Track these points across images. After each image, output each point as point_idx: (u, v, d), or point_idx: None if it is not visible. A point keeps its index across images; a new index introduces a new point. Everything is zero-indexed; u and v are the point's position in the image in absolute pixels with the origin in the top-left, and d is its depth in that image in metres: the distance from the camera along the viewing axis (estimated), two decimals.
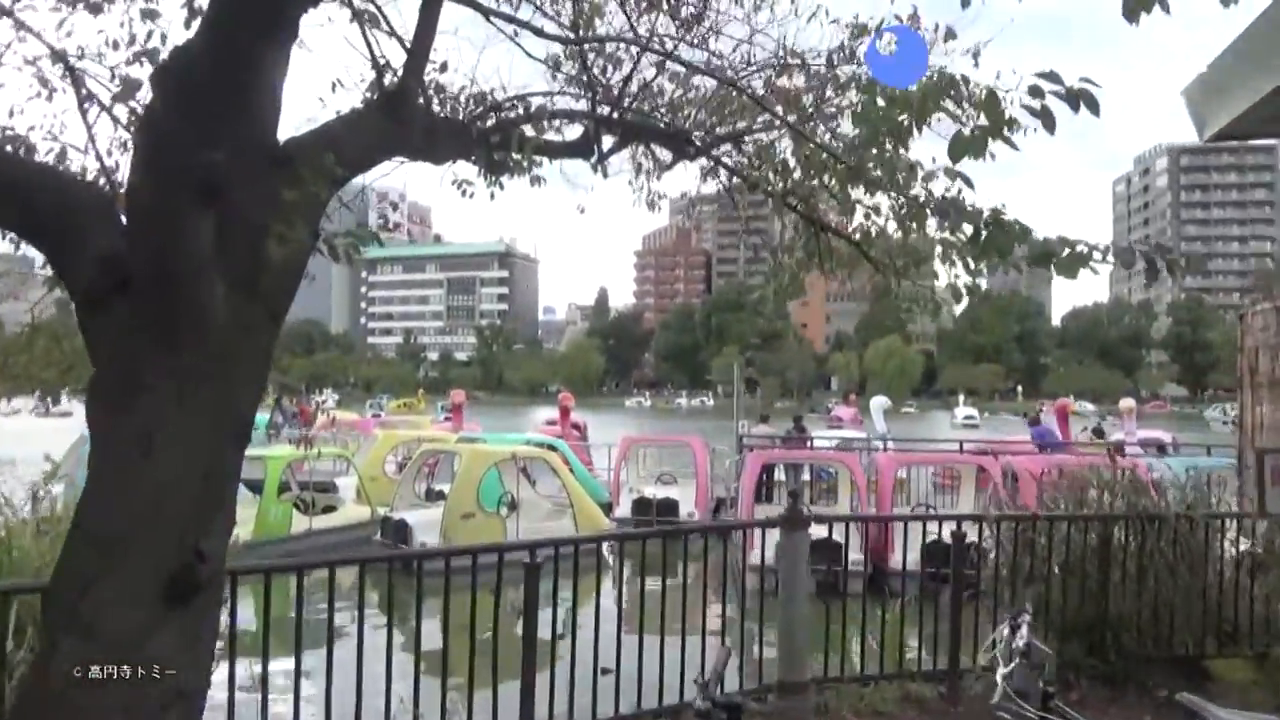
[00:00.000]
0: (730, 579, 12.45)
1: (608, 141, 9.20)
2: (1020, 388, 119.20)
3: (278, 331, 3.48)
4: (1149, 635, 6.11)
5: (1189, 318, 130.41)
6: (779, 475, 15.52)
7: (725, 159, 8.80)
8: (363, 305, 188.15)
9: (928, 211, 4.59)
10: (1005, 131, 3.43)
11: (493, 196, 8.79)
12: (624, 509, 15.24)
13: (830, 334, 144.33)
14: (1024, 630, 3.22)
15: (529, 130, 7.22)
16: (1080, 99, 3.02)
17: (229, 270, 3.09)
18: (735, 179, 8.42)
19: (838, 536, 10.68)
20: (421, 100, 5.05)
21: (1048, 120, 3.36)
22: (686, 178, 9.75)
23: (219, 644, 3.62)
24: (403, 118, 4.59)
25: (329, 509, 14.60)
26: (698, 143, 7.66)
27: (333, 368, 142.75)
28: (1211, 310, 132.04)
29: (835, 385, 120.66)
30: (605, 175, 9.29)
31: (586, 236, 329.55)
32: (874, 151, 5.89)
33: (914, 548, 10.60)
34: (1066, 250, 3.70)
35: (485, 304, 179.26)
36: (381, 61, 4.54)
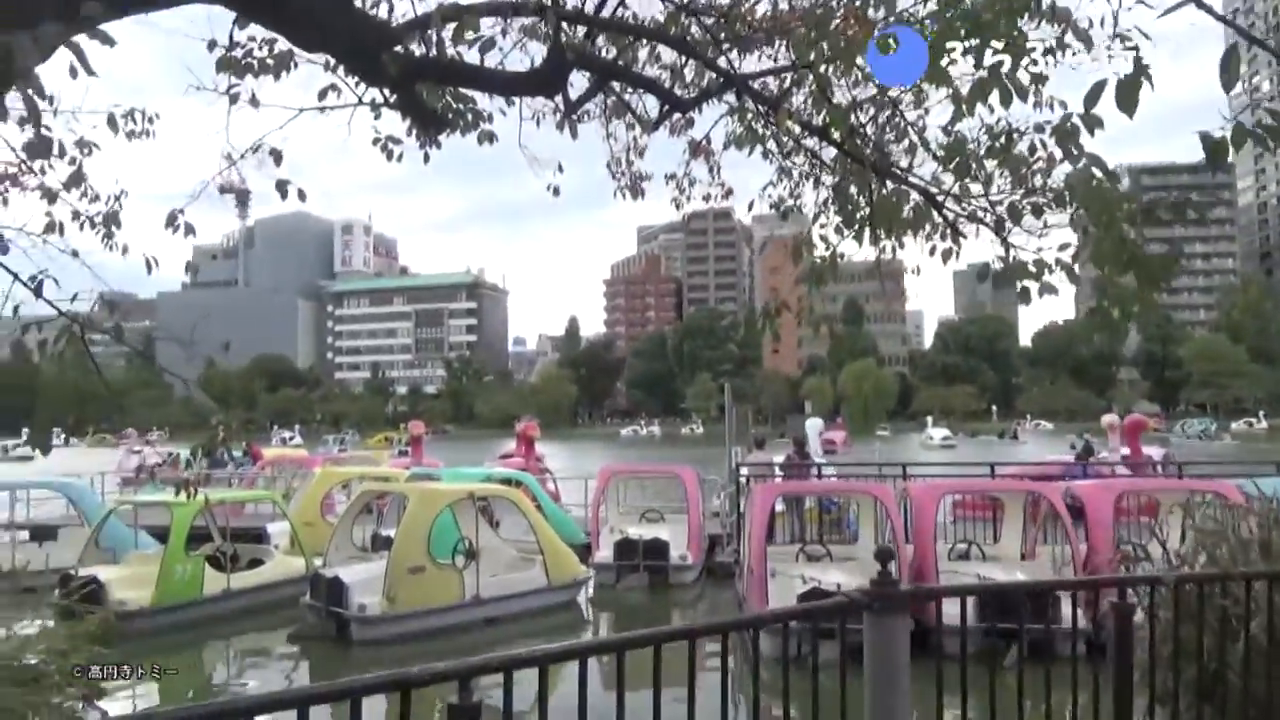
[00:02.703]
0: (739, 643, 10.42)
1: (577, 88, 7.00)
2: (994, 408, 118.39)
3: None
4: None
5: (1159, 334, 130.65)
6: (777, 507, 13.49)
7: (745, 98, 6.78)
8: (329, 340, 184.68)
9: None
10: None
11: (426, 158, 6.60)
12: (605, 552, 13.09)
13: (803, 358, 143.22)
14: None
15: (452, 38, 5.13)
16: None
17: None
18: (763, 112, 6.43)
19: (855, 579, 8.71)
20: None
21: None
22: (672, 151, 7.66)
23: None
24: None
25: (255, 562, 12.35)
26: (718, 63, 5.72)
27: (298, 404, 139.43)
28: (1179, 327, 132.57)
29: (809, 409, 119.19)
30: (575, 134, 7.16)
31: (555, 266, 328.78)
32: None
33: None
34: None
35: (454, 336, 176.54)
36: None
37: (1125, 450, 22.42)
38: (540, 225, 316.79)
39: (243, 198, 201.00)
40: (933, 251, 5.79)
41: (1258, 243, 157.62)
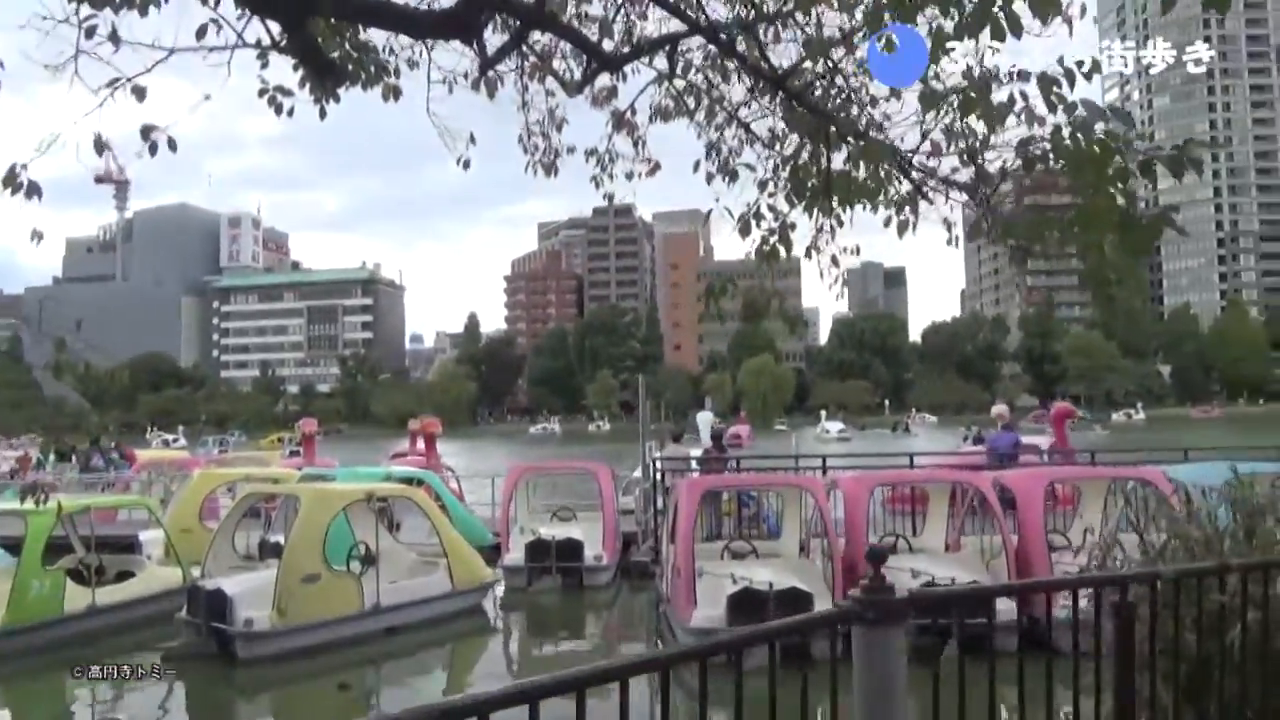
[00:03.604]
0: (654, 639, 9.86)
1: (494, 41, 6.41)
2: (887, 402, 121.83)
3: None
4: None
5: (1039, 330, 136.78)
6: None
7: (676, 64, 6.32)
8: (215, 337, 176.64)
9: None
10: None
11: (322, 114, 5.96)
12: (516, 554, 12.37)
13: (704, 354, 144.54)
14: None
15: None
16: None
17: None
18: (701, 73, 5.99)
19: (798, 582, 8.30)
20: None
21: None
22: (591, 129, 7.10)
23: None
24: None
25: (125, 575, 11.15)
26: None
27: (182, 404, 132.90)
28: (1057, 324, 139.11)
29: (710, 405, 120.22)
30: (491, 93, 6.54)
31: (454, 263, 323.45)
32: None
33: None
34: None
35: (349, 333, 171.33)
36: None
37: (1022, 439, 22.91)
38: (439, 221, 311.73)
39: (120, 188, 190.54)
40: (888, 223, 5.36)
41: None
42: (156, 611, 10.64)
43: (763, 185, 5.68)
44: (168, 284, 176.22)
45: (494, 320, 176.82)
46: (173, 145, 4.78)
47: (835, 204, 5.08)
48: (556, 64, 7.43)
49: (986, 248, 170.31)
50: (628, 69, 7.29)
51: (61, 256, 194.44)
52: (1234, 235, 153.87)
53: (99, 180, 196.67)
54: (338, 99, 5.71)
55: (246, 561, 10.86)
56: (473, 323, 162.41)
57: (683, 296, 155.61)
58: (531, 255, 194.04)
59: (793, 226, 5.25)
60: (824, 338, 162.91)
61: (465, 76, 7.11)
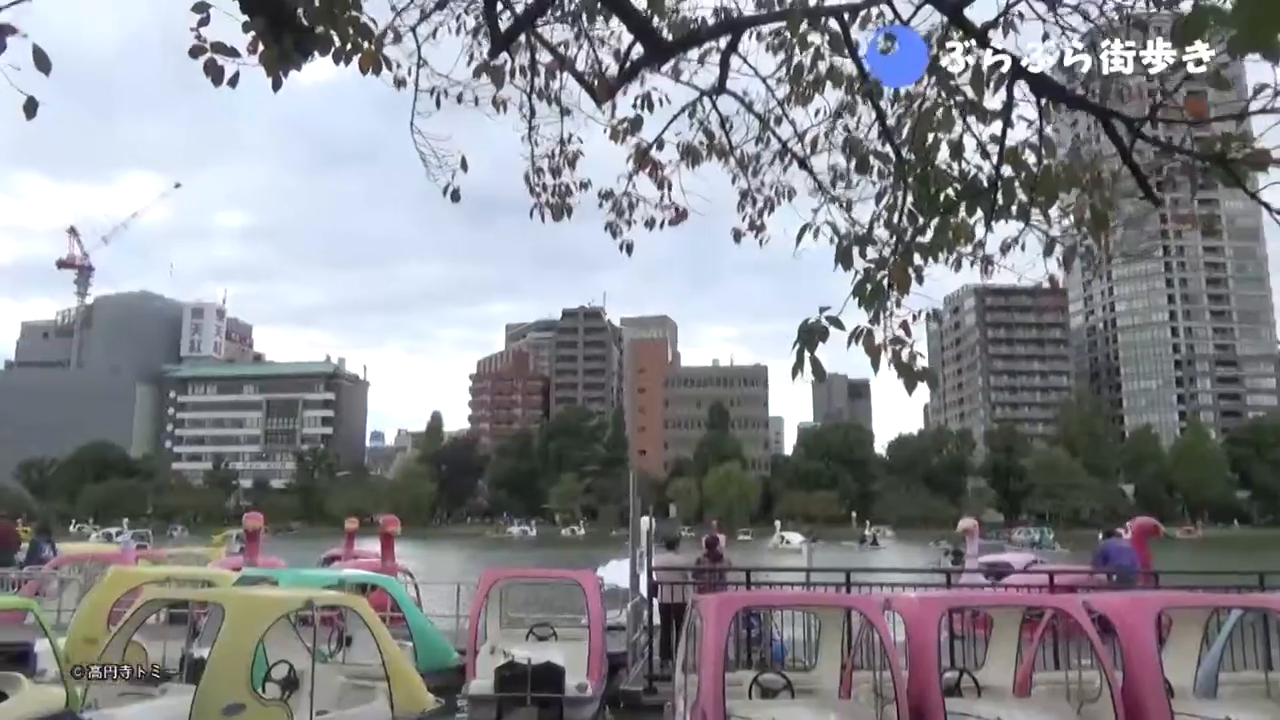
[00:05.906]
0: None
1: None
2: (854, 514, 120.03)
3: None
4: None
5: (1004, 445, 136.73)
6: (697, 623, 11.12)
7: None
8: (170, 428, 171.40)
9: None
10: None
11: (277, 84, 4.55)
12: (484, 680, 10.32)
13: (669, 460, 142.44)
14: None
15: None
16: None
17: None
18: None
19: None
20: None
21: None
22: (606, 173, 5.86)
23: None
24: None
25: None
26: None
27: (129, 495, 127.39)
28: (1022, 440, 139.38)
29: (674, 512, 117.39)
30: (500, 81, 5.13)
31: (420, 362, 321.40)
32: None
33: None
34: None
35: (309, 428, 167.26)
36: None
37: (985, 557, 21.06)
38: (407, 320, 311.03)
39: (83, 273, 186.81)
40: (1050, 250, 3.98)
41: (1088, 363, 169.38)
42: None
43: (879, 196, 4.27)
44: (125, 372, 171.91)
45: (458, 420, 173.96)
46: (42, 62, 3.25)
47: (993, 215, 3.69)
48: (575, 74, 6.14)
49: (951, 363, 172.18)
50: (656, 98, 6.02)
51: (15, 341, 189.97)
52: (1190, 358, 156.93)
53: (61, 265, 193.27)
54: (299, 66, 4.31)
55: (149, 684, 8.75)
56: (436, 422, 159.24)
57: (649, 401, 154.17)
58: (499, 356, 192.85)
59: (918, 248, 3.83)
60: (789, 448, 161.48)
61: (459, 98, 5.78)
